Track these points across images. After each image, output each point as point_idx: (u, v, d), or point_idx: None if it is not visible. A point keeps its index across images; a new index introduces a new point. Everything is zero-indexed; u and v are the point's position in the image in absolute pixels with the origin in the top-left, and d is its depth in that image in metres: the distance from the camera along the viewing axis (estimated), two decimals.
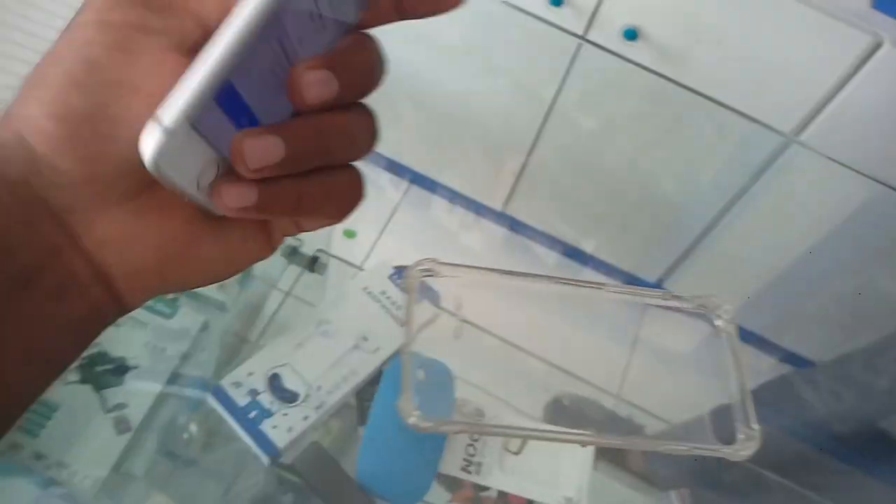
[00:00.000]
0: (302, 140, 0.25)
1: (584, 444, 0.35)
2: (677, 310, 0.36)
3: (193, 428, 0.56)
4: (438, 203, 1.33)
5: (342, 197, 0.28)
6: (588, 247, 1.34)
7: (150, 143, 0.22)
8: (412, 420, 0.33)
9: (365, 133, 0.28)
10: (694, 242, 1.29)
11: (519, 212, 1.41)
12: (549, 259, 1.33)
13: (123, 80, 0.24)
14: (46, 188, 0.24)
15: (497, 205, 1.40)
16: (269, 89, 0.25)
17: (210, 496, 0.56)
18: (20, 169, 0.24)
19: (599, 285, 0.39)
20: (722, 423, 0.34)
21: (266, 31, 0.23)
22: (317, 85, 0.25)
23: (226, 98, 0.23)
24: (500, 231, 1.47)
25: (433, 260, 0.35)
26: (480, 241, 1.36)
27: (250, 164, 0.24)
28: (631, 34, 1.00)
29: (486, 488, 0.61)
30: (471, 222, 1.31)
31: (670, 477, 0.69)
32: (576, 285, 0.40)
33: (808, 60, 0.95)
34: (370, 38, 0.27)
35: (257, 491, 0.55)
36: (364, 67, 0.26)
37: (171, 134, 0.22)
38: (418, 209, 1.39)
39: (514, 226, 1.44)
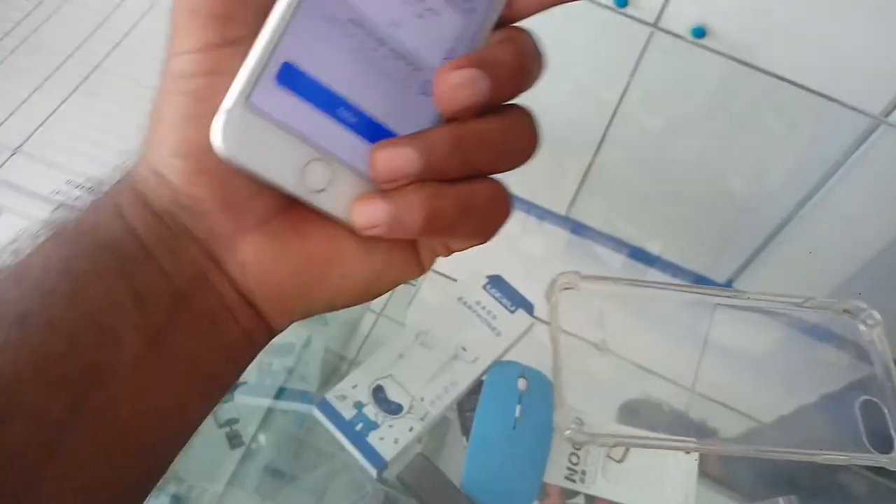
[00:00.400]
0: (442, 149, 0.24)
1: (750, 456, 0.34)
2: (818, 315, 0.36)
3: (301, 442, 0.57)
4: None
5: (487, 213, 0.26)
6: (654, 248, 1.32)
7: (214, 128, 0.23)
8: (568, 433, 0.33)
9: (520, 139, 0.26)
10: (767, 239, 1.26)
11: (582, 214, 1.40)
12: (614, 261, 1.31)
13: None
14: (189, 218, 0.25)
15: (561, 209, 1.40)
16: (372, 77, 0.24)
17: None
18: (164, 202, 0.25)
19: (736, 294, 0.38)
20: (869, 429, 0.33)
21: (316, 8, 0.23)
22: (463, 87, 0.23)
23: (292, 80, 0.23)
24: (562, 234, 1.46)
25: (575, 273, 0.35)
26: (543, 245, 1.36)
27: (380, 174, 0.24)
28: (699, 32, 0.99)
29: (574, 494, 0.61)
30: (533, 227, 1.31)
31: (748, 480, 0.67)
32: (711, 295, 0.39)
33: (890, 41, 0.93)
34: (522, 31, 0.25)
35: (367, 502, 0.56)
36: (516, 63, 0.25)
37: (229, 113, 0.22)
38: None
39: (577, 229, 1.43)
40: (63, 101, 0.31)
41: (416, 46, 0.24)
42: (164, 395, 0.25)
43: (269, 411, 0.56)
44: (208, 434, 0.54)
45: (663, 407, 0.72)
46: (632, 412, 0.78)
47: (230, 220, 0.25)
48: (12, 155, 0.29)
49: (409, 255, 0.28)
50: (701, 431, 0.69)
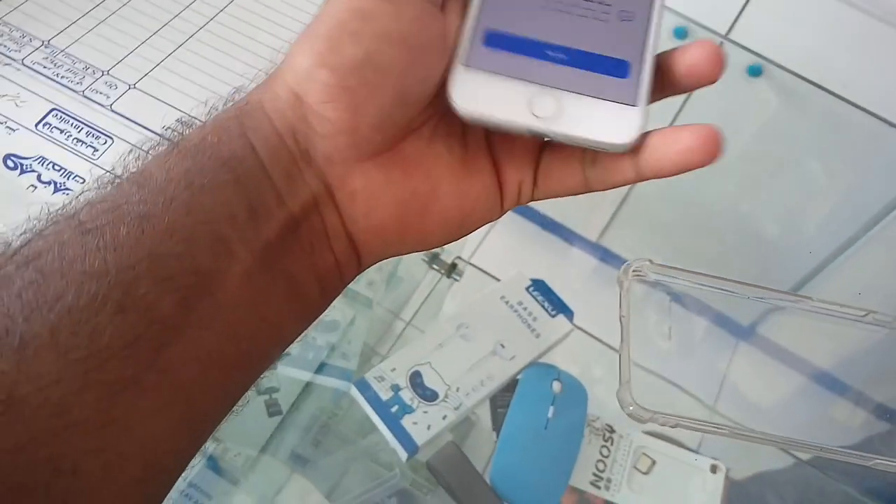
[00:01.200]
0: None
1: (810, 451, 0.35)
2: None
3: (336, 416, 0.57)
4: (529, 227, 1.34)
5: None
6: None
7: (449, 92, 0.27)
8: (632, 409, 0.34)
9: None
10: (797, 285, 1.27)
11: (612, 243, 1.41)
12: None
13: (392, 31, 0.26)
14: (311, 138, 0.26)
15: (592, 236, 1.40)
16: (569, 19, 0.28)
17: (348, 485, 0.57)
18: (291, 120, 0.26)
19: (799, 298, 0.39)
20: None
21: None
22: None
23: (497, 41, 0.28)
24: (591, 260, 1.47)
25: (647, 260, 0.36)
26: (571, 270, 1.36)
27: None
28: (755, 70, 1.00)
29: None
30: (561, 249, 1.32)
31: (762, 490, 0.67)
32: (784, 298, 0.40)
33: None
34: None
35: (393, 484, 0.56)
36: None
37: (456, 77, 0.27)
38: (510, 237, 1.40)
39: (606, 256, 1.44)
40: (179, 46, 0.33)
41: None
42: (265, 309, 0.26)
43: (309, 384, 0.57)
44: (248, 400, 0.55)
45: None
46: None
47: (351, 146, 0.27)
48: (128, 90, 0.31)
49: (496, 195, 0.30)
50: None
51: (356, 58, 0.25)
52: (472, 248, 1.24)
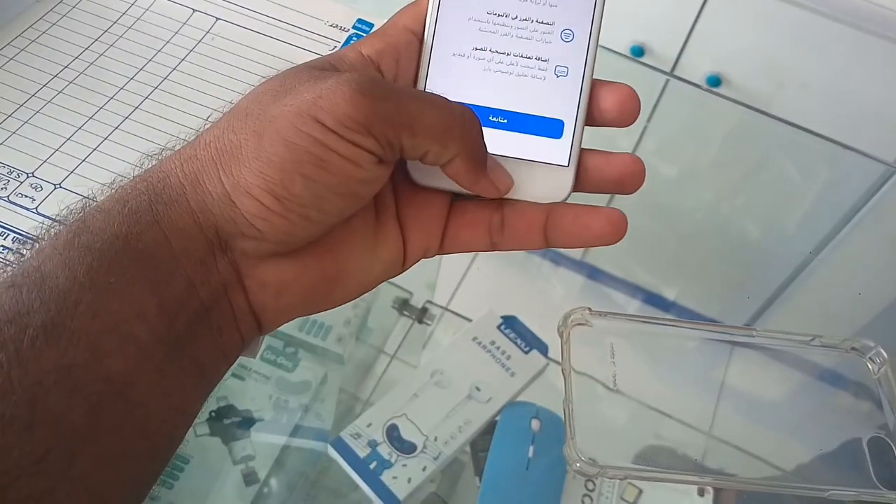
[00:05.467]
0: None
1: (756, 491, 0.35)
2: (825, 353, 0.36)
3: (314, 482, 0.57)
4: (513, 253, 1.34)
5: None
6: (670, 294, 1.32)
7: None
8: (578, 466, 0.34)
9: None
10: (783, 286, 1.26)
11: (597, 260, 1.41)
12: (630, 306, 1.31)
13: (343, 185, 0.26)
14: (234, 236, 0.26)
15: (576, 254, 1.40)
16: (508, 81, 0.30)
17: None
18: (216, 218, 0.26)
19: (744, 330, 0.39)
20: (877, 465, 0.33)
21: (445, 50, 0.29)
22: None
23: None
24: (578, 279, 1.47)
25: (585, 309, 0.36)
26: (559, 288, 1.36)
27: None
28: (714, 81, 1.01)
29: None
30: (548, 271, 1.32)
31: None
32: (727, 332, 0.40)
33: None
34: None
35: None
36: None
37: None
38: (494, 258, 1.40)
39: (593, 273, 1.43)
40: (104, 139, 0.33)
41: (537, 47, 0.30)
42: (175, 398, 0.26)
43: (285, 448, 0.57)
44: (224, 471, 0.55)
45: (679, 453, 0.71)
46: (648, 461, 0.77)
47: (273, 251, 0.27)
48: (54, 189, 0.31)
49: (399, 260, 0.31)
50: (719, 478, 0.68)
51: (303, 199, 0.26)
52: (448, 292, 1.24)
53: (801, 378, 0.41)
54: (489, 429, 0.60)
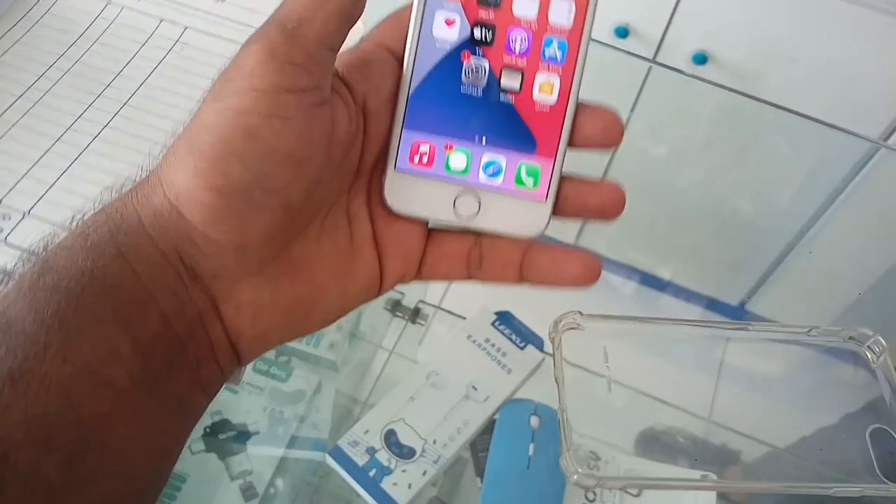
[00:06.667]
0: None
1: (760, 492, 0.34)
2: (824, 345, 0.35)
3: (316, 489, 0.56)
4: None
5: None
6: (665, 273, 1.32)
7: (385, 191, 0.29)
8: (576, 478, 0.33)
9: None
10: (777, 261, 1.26)
11: (591, 243, 1.40)
12: (626, 288, 1.31)
13: (278, 149, 0.25)
14: (196, 257, 0.25)
15: (569, 239, 1.40)
16: (489, 112, 0.29)
17: None
18: (174, 238, 0.25)
19: (740, 325, 0.38)
20: (880, 457, 0.33)
21: (427, 87, 0.28)
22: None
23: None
24: None
25: (576, 313, 0.35)
26: None
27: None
28: (700, 58, 1.00)
29: None
30: None
31: None
32: (720, 328, 0.39)
33: (888, 65, 0.93)
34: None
35: None
36: None
37: (388, 179, 0.28)
38: None
39: None
40: (73, 161, 0.32)
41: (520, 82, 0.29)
42: (156, 436, 0.25)
43: (283, 460, 0.56)
44: (222, 487, 0.54)
45: (681, 436, 0.71)
46: (650, 441, 0.77)
47: (238, 263, 0.26)
48: (23, 218, 0.30)
49: (376, 285, 0.30)
50: (723, 455, 0.67)
51: (243, 180, 0.24)
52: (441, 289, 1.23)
53: (799, 370, 0.40)
54: (488, 428, 0.59)
